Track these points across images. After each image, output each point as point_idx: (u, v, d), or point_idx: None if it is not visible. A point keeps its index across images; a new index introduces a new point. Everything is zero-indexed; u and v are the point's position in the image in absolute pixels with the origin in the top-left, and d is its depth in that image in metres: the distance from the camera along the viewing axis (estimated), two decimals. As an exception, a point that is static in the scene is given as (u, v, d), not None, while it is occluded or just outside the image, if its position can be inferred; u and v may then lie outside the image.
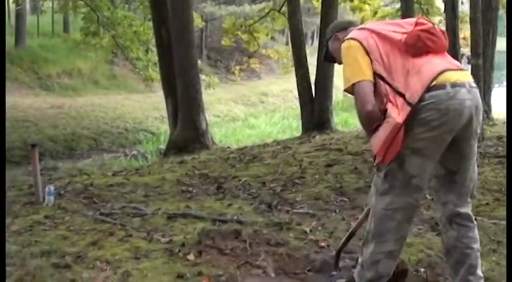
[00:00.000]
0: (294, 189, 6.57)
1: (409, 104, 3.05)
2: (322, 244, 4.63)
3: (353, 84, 3.15)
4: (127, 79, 28.05)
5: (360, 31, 3.38)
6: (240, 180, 7.11)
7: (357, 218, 5.36)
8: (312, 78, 13.49)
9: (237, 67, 27.98)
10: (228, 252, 4.28)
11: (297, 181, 6.92)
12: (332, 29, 3.68)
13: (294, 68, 14.26)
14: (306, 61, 13.69)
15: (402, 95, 3.08)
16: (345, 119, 20.67)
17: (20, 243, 4.71)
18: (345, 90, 3.25)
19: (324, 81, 13.22)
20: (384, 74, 3.15)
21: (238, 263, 4.14)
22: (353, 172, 7.20)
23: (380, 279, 3.41)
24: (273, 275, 4.01)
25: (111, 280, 3.88)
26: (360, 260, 3.50)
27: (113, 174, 8.01)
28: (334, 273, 4.00)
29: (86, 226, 5.15)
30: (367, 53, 3.21)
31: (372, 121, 3.12)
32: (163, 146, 15.19)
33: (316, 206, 5.87)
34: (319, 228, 5.06)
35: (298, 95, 13.79)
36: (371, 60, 3.19)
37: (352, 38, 3.32)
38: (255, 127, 21.15)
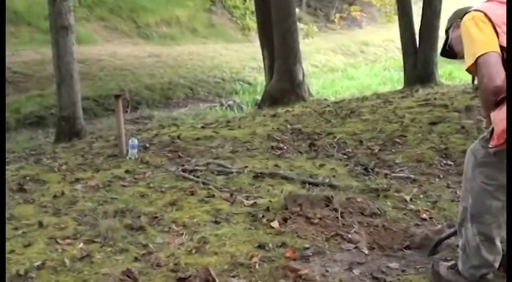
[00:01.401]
0: (393, 150, 6.01)
1: None
2: (424, 216, 4.10)
3: (477, 59, 2.57)
4: (225, 28, 27.70)
5: (486, 3, 2.81)
6: (335, 137, 6.60)
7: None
8: (416, 28, 12.62)
9: (337, 15, 27.02)
10: (317, 222, 3.82)
11: (397, 140, 6.33)
12: (453, 17, 3.05)
13: (397, 17, 13.39)
14: (411, 9, 12.82)
15: None
16: (450, 71, 19.47)
17: (96, 200, 4.47)
18: (468, 71, 2.67)
19: (429, 31, 12.35)
20: None
21: (327, 234, 3.69)
22: (459, 132, 6.52)
23: (488, 266, 2.89)
24: (366, 251, 3.53)
25: (186, 247, 3.53)
26: (460, 242, 2.98)
27: (202, 127, 7.68)
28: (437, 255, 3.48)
29: (166, 183, 4.84)
30: (493, 26, 2.63)
31: (498, 97, 2.55)
32: (259, 97, 14.86)
33: (418, 169, 5.31)
34: (421, 196, 4.52)
35: (402, 45, 12.97)
36: (497, 34, 2.61)
37: (475, 10, 2.75)
38: (354, 78, 20.34)
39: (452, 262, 3.16)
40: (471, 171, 2.81)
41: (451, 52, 3.05)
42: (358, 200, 4.16)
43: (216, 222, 3.92)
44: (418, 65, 12.40)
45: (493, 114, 2.57)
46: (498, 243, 2.91)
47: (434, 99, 8.72)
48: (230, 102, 16.66)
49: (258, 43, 14.37)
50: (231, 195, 4.47)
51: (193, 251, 3.46)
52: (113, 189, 4.73)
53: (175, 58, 20.47)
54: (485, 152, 2.73)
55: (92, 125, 12.08)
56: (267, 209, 4.09)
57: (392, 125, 7.00)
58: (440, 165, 5.41)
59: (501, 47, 2.57)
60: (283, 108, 9.88)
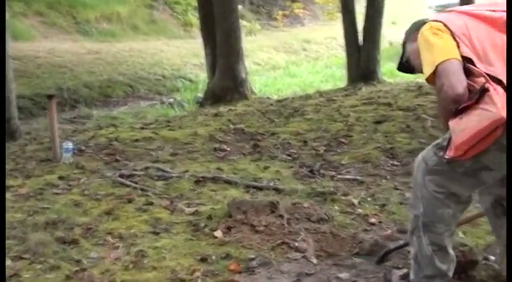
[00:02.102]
0: (339, 150, 5.86)
1: None
2: (373, 220, 3.95)
3: (437, 67, 2.40)
4: (166, 24, 27.22)
5: (444, 13, 2.69)
6: (279, 137, 6.42)
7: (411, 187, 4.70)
8: (359, 26, 12.57)
9: (280, 12, 26.93)
10: (262, 230, 3.62)
11: (342, 140, 6.20)
12: (410, 30, 2.87)
13: (339, 14, 13.33)
14: (354, 7, 12.77)
15: (501, 83, 2.35)
16: (391, 70, 19.62)
17: (26, 210, 4.15)
18: (428, 81, 2.50)
19: (372, 29, 12.34)
20: (475, 58, 2.42)
21: (273, 243, 3.50)
22: (405, 131, 6.44)
23: (442, 276, 2.75)
24: (314, 260, 3.35)
25: (122, 261, 3.28)
26: (412, 251, 2.83)
27: (141, 128, 7.38)
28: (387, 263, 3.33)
29: (102, 190, 4.56)
30: (453, 35, 2.47)
31: (459, 105, 2.39)
32: (201, 95, 14.62)
33: (365, 170, 5.17)
34: (369, 199, 4.38)
35: (345, 43, 12.91)
36: (457, 44, 2.45)
37: (433, 20, 2.61)
38: (297, 76, 20.23)
39: (405, 271, 3.02)
40: (421, 178, 2.66)
41: (408, 66, 2.88)
42: (305, 205, 3.98)
43: (155, 233, 3.68)
44: (361, 63, 12.37)
45: (452, 124, 2.41)
46: (451, 251, 2.78)
47: (378, 97, 8.66)
48: (171, 100, 16.30)
49: (200, 39, 14.12)
50: (171, 202, 4.22)
51: (130, 266, 3.21)
52: (45, 198, 4.41)
53: (115, 55, 19.97)
54: (437, 160, 2.57)
55: (28, 125, 11.56)
56: (210, 217, 3.87)
57: (337, 124, 6.87)
58: (387, 166, 5.30)
59: (462, 57, 2.42)
60: (226, 107, 9.67)
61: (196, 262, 3.26)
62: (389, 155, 5.57)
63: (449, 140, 2.46)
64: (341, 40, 13.37)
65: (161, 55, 20.76)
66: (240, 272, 3.16)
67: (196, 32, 18.81)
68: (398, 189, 4.61)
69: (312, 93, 11.10)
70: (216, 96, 11.86)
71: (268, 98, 11.95)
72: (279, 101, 9.93)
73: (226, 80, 11.91)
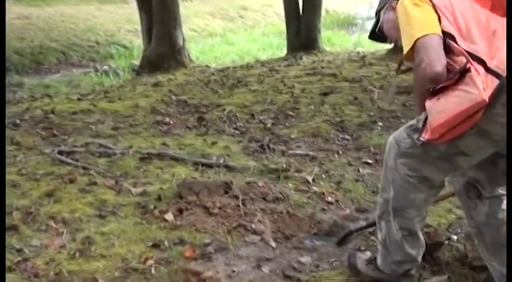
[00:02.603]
0: (287, 123, 5.69)
1: (496, 74, 2.14)
2: (329, 199, 3.81)
3: (415, 41, 2.21)
4: (98, -12, 26.41)
5: None
6: (224, 109, 6.20)
7: (366, 162, 4.59)
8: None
9: (216, -23, 26.36)
10: (216, 212, 3.43)
11: (290, 113, 6.03)
12: None
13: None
14: (293, -27, 12.53)
15: (483, 63, 2.18)
16: (328, 37, 19.54)
17: (-43, 192, 3.81)
18: (407, 58, 2.29)
19: (312, -3, 12.15)
20: (457, 34, 2.23)
21: (228, 226, 3.32)
22: (353, 103, 6.32)
23: (411, 261, 2.64)
24: (273, 244, 3.18)
25: (68, 249, 3.03)
26: (379, 236, 2.70)
27: (78, 99, 7.02)
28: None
29: (41, 169, 4.25)
30: (434, 7, 2.27)
31: (437, 85, 2.23)
32: (136, 62, 14.20)
33: (316, 145, 5.02)
34: (323, 176, 4.22)
35: (284, 11, 12.69)
36: (439, 18, 2.26)
37: None
38: (234, 43, 19.90)
39: (370, 255, 2.89)
40: (393, 161, 2.50)
41: (381, 35, 2.69)
42: (259, 184, 3.79)
43: (101, 217, 3.43)
44: (301, 32, 12.18)
45: (429, 104, 2.25)
46: (421, 236, 2.66)
47: (322, 68, 8.51)
48: (105, 68, 15.77)
49: (133, 4, 13.64)
50: (116, 182, 3.96)
51: (77, 254, 2.97)
52: (-23, 178, 4.09)
53: (46, 20, 19.20)
54: (411, 143, 2.41)
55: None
56: (159, 198, 3.65)
57: (283, 96, 6.70)
58: (338, 140, 5.16)
59: (443, 32, 2.24)
60: (164, 76, 9.38)
61: (148, 249, 3.05)
62: (339, 129, 5.44)
63: (425, 121, 2.31)
64: (278, 7, 13.14)
65: (94, 20, 20.08)
66: (195, 259, 2.97)
67: (130, -4, 18.24)
68: (352, 165, 4.48)
69: (253, 63, 10.89)
70: (153, 64, 11.52)
71: (207, 66, 11.66)
72: (220, 70, 9.67)
73: (163, 47, 11.58)
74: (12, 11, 19.94)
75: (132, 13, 17.67)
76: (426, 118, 2.30)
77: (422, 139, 2.32)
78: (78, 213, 3.46)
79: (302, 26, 12.16)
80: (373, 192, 3.92)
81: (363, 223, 3.44)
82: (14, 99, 8.30)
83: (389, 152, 2.53)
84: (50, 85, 13.01)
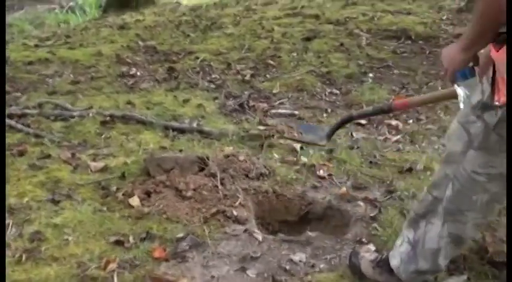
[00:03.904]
0: (268, 75, 5.12)
1: None
2: (321, 172, 3.30)
3: None
4: None
5: None
6: (197, 58, 5.58)
7: (358, 124, 4.08)
8: None
9: None
10: (191, 195, 2.90)
11: (270, 62, 5.44)
12: None
13: None
14: None
15: None
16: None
17: None
18: None
19: None
20: None
21: (205, 213, 2.81)
22: (339, 50, 5.73)
23: (435, 272, 2.17)
24: (259, 236, 2.68)
25: (13, 251, 2.49)
26: (410, 235, 2.18)
27: (36, 45, 6.32)
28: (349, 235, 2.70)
29: (-15, 137, 3.66)
30: None
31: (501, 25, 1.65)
32: (104, -2, 13.42)
33: (301, 101, 4.49)
34: (311, 143, 3.70)
35: None
36: None
37: None
38: (206, -24, 19.04)
39: (376, 255, 2.40)
40: (460, 153, 1.93)
41: None
42: (240, 158, 3.26)
43: (55, 202, 2.88)
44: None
45: (497, 56, 1.70)
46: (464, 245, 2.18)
47: (302, 7, 7.83)
48: (72, 4, 14.93)
49: None
50: (73, 155, 3.39)
51: (24, 257, 2.44)
52: None
53: (4, -48, 18.04)
54: (483, 127, 1.82)
55: None
56: (123, 176, 3.11)
57: (262, 42, 6.08)
58: (325, 95, 4.64)
59: None
60: (132, 15, 8.65)
61: (110, 246, 2.54)
62: (326, 81, 4.90)
63: (494, 80, 1.75)
64: None
65: (57, -48, 18.97)
66: (167, 260, 2.47)
67: None
68: (344, 127, 3.96)
69: (227, 0, 10.12)
70: (120, 1, 10.75)
71: (177, 2, 10.90)
72: (192, 9, 8.93)
73: (131, -18, 10.79)
74: None
75: None
76: (494, 76, 1.75)
77: (497, 103, 1.76)
78: (27, 198, 2.91)
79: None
80: (371, 162, 3.43)
81: (361, 205, 2.96)
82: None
83: (454, 141, 1.96)
84: (13, 24, 12.20)
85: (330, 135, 2.89)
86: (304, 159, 3.42)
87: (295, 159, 3.43)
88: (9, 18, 13.26)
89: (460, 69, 1.84)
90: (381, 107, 2.68)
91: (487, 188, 1.91)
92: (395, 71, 5.07)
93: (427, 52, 5.61)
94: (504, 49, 1.64)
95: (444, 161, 2.03)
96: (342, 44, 5.84)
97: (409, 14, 6.92)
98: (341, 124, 2.90)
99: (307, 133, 3.13)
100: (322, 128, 3.09)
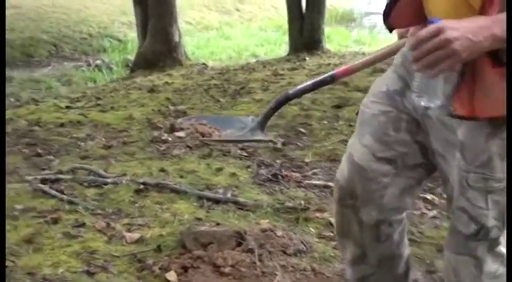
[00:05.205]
0: (299, 143, 5.10)
1: None
2: (358, 249, 3.22)
3: None
4: (91, -23, 25.70)
5: None
6: (228, 124, 5.59)
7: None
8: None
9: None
10: (229, 271, 2.84)
11: (301, 129, 5.43)
12: None
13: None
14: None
15: None
16: (328, 34, 18.95)
17: None
18: None
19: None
20: None
21: (244, 290, 2.74)
22: (369, 119, 5.71)
23: None
24: (299, 317, 2.61)
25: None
26: None
27: (67, 107, 6.40)
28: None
29: (21, 202, 3.64)
30: None
31: None
32: (130, 56, 13.69)
33: (334, 172, 4.40)
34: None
35: (287, 9, 12.00)
36: None
37: None
38: (231, 38, 19.32)
39: None
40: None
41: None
42: (278, 233, 3.21)
43: (90, 274, 2.84)
44: (304, 32, 11.54)
45: (489, 69, 1.63)
46: None
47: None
48: (98, 62, 15.19)
49: (127, -5, 13.10)
50: (108, 224, 3.36)
51: None
52: None
53: (37, 10, 18.58)
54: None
55: None
56: (158, 249, 3.07)
57: (292, 108, 6.08)
58: (358, 166, 4.58)
59: None
60: (160, 77, 8.77)
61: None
62: (358, 152, 4.86)
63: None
64: (275, 0, 12.55)
65: (86, 12, 19.44)
66: None
67: (124, -13, 17.64)
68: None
69: (253, 64, 10.26)
70: (148, 62, 11.04)
71: (204, 64, 11.07)
72: (220, 73, 9.02)
73: (159, 44, 11.09)
74: (2, 0, 19.26)
75: (125, 5, 17.07)
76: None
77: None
78: (62, 269, 2.87)
79: (305, 25, 11.52)
80: (409, 240, 3.35)
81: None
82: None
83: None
84: (40, 80, 12.51)
85: (263, 124, 2.50)
86: (341, 234, 3.36)
87: (332, 234, 3.37)
88: (38, 74, 13.58)
89: None
90: (321, 79, 2.40)
91: None
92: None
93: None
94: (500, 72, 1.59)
95: None
96: (372, 113, 5.82)
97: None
98: (276, 107, 2.49)
99: (225, 128, 2.57)
100: (239, 119, 2.58)
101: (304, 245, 3.19)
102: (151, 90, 7.35)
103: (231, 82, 7.74)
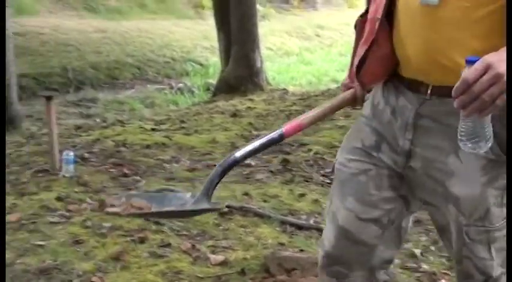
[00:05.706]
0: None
1: None
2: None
3: None
4: (175, 3, 26.37)
5: None
6: (310, 150, 5.61)
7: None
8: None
9: (296, -4, 26.03)
10: (312, 298, 2.85)
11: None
12: None
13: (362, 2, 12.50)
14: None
15: None
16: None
17: (15, 248, 3.36)
18: None
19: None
20: None
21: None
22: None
23: None
24: None
25: None
26: None
27: (153, 129, 6.58)
28: None
29: (108, 221, 3.75)
30: None
31: None
32: (212, 80, 13.96)
33: (418, 202, 4.39)
34: (432, 248, 3.61)
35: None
36: None
37: None
38: (311, 63, 19.43)
39: None
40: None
41: None
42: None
43: (175, 294, 2.91)
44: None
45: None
46: None
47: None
48: (180, 85, 15.58)
49: (211, 21, 13.47)
50: (193, 246, 3.43)
51: None
52: (39, 229, 3.62)
53: (122, 35, 19.20)
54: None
55: (31, 107, 10.72)
56: (242, 272, 3.11)
57: (374, 136, 6.04)
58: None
59: None
60: (242, 102, 8.88)
61: None
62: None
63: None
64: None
65: (170, 36, 19.95)
66: None
67: (207, 13, 18.02)
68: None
69: (334, 89, 10.24)
70: (230, 86, 11.23)
71: (284, 89, 11.18)
72: (301, 98, 9.09)
73: (241, 69, 11.26)
74: (89, 24, 20.10)
75: (208, 30, 17.45)
76: None
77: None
78: (149, 288, 2.95)
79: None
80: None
81: None
82: (85, 125, 7.94)
83: None
84: (124, 101, 12.91)
85: (209, 193, 2.03)
86: (424, 266, 3.32)
87: (415, 266, 3.33)
88: (122, 96, 14.03)
89: None
90: (269, 138, 2.11)
91: None
92: None
93: None
94: None
95: None
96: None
97: None
98: (223, 172, 2.07)
99: (159, 203, 2.10)
100: (176, 196, 2.12)
101: (388, 275, 3.14)
102: (234, 114, 7.47)
103: (312, 108, 7.74)
